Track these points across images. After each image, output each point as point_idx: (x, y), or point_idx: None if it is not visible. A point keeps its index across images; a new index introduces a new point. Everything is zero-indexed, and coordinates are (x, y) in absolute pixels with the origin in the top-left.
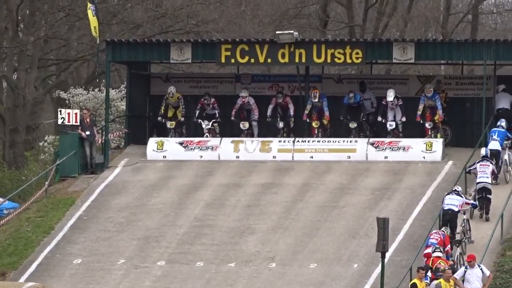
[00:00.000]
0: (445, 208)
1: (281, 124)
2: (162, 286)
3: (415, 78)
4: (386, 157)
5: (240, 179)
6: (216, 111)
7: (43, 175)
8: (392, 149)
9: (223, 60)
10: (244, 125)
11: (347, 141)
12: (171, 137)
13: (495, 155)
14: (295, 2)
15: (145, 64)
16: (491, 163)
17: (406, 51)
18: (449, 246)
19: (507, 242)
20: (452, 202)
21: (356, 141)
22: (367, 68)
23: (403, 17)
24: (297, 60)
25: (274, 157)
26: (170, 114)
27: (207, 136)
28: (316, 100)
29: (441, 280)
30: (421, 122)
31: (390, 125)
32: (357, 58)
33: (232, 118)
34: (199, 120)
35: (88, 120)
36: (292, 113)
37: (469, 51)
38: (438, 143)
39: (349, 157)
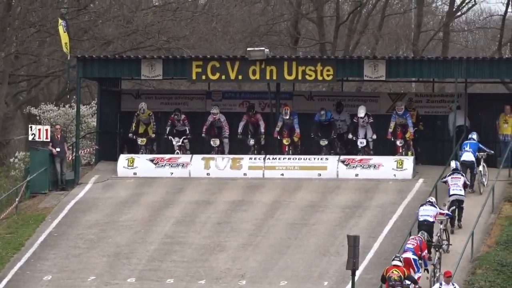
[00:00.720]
0: (420, 219)
1: (251, 141)
2: None
3: (386, 95)
4: (356, 175)
5: (211, 196)
6: (187, 128)
7: (13, 192)
8: (363, 167)
9: (194, 77)
10: (215, 142)
11: (318, 159)
12: (142, 153)
13: (469, 166)
14: (266, 19)
15: (116, 81)
16: (462, 175)
17: (377, 69)
18: (425, 251)
19: (478, 260)
20: (427, 213)
21: (326, 159)
22: (338, 86)
23: (374, 34)
24: (268, 77)
25: (244, 174)
26: (141, 130)
27: (177, 153)
28: (287, 117)
29: None
30: (392, 139)
31: (361, 142)
32: (328, 75)
33: (203, 135)
34: (170, 137)
35: (59, 136)
36: (262, 130)
37: (440, 69)
38: (409, 161)
39: (320, 175)
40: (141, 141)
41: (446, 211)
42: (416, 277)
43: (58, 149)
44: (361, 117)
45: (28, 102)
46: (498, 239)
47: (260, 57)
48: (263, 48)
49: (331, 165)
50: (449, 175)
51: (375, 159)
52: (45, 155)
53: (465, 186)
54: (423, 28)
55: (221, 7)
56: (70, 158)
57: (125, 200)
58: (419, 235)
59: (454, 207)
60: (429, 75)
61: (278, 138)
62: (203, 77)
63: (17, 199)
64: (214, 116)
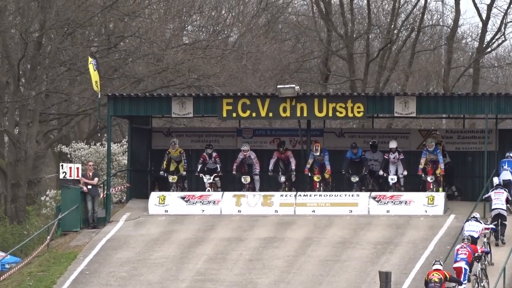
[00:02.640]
0: (465, 235)
1: (282, 178)
2: None
3: (416, 132)
4: (388, 211)
5: (242, 233)
6: (218, 165)
7: (44, 230)
8: (394, 203)
9: (224, 114)
10: (246, 179)
11: (349, 195)
12: (173, 191)
13: (506, 186)
14: (296, 56)
15: (147, 118)
16: (505, 190)
17: (407, 105)
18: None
19: None
20: (472, 228)
21: (358, 195)
22: (369, 122)
23: (404, 71)
24: (298, 114)
25: (276, 211)
26: (172, 168)
27: (208, 191)
28: (318, 153)
29: None
30: (423, 176)
31: (392, 179)
32: (358, 112)
33: (234, 172)
34: (201, 174)
35: (90, 174)
36: (293, 167)
37: (471, 105)
38: (440, 197)
39: (351, 211)
40: (172, 178)
41: (490, 225)
42: None
43: (89, 187)
44: (392, 148)
45: (59, 140)
46: None
47: (291, 94)
48: (293, 85)
49: (362, 202)
50: (492, 190)
51: (406, 196)
52: (77, 193)
53: (507, 201)
54: (453, 64)
55: (251, 44)
56: (101, 196)
57: (156, 238)
58: (465, 241)
59: (496, 221)
60: (460, 111)
61: (309, 175)
62: (234, 114)
63: (48, 237)
64: (245, 153)
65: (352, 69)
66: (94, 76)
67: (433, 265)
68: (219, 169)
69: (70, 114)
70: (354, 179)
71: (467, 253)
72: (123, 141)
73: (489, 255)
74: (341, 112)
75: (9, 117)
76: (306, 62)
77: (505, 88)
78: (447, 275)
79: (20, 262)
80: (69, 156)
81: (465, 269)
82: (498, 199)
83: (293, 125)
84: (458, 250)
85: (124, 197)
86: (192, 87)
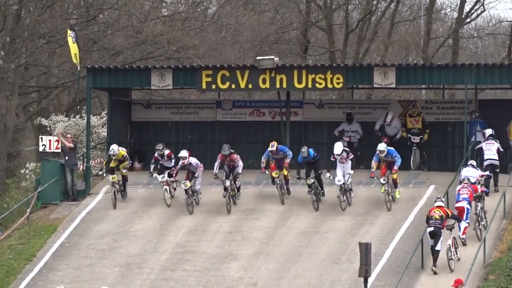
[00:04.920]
0: (462, 179)
1: (227, 182)
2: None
3: (396, 102)
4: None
5: (222, 206)
6: (173, 161)
7: (24, 202)
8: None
9: (204, 86)
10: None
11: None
12: (113, 191)
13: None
14: (275, 28)
15: (126, 91)
16: (496, 141)
17: (387, 76)
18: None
19: (490, 266)
20: (469, 173)
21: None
22: (348, 93)
23: (383, 42)
24: (278, 86)
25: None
26: (113, 164)
27: (166, 190)
28: (274, 148)
29: None
30: (375, 178)
31: (339, 180)
32: (338, 83)
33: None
34: (154, 174)
35: (70, 144)
36: (240, 171)
37: (450, 76)
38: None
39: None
40: (112, 178)
41: (486, 173)
42: (463, 227)
43: (66, 158)
44: (337, 155)
45: (39, 113)
46: (510, 245)
47: (270, 66)
48: (272, 57)
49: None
50: (484, 141)
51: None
52: (56, 165)
53: (498, 152)
54: (433, 35)
55: (230, 16)
56: (81, 169)
57: (136, 210)
58: (465, 181)
59: (488, 171)
60: (439, 82)
61: (266, 172)
62: (213, 86)
63: (28, 210)
64: (183, 161)
65: (331, 40)
66: (73, 48)
67: (435, 202)
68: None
69: (49, 86)
70: (310, 181)
71: (469, 193)
72: (102, 114)
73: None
74: (320, 83)
75: None
76: (285, 34)
77: (484, 58)
78: (449, 213)
79: (0, 235)
80: (48, 128)
81: (467, 208)
82: (490, 150)
83: (272, 97)
84: (459, 190)
85: (104, 170)
86: (171, 59)
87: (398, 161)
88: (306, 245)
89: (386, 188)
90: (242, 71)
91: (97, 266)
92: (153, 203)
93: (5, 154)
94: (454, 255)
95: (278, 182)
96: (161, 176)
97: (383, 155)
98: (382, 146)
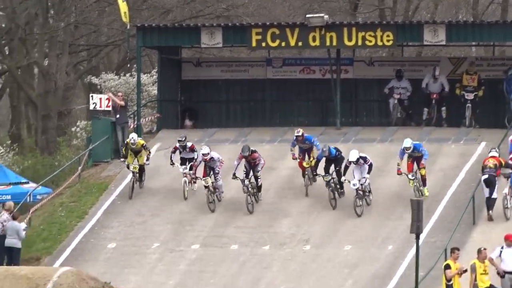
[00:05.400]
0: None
1: (246, 181)
2: (196, 270)
3: (446, 60)
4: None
5: (274, 162)
6: (196, 153)
7: (75, 161)
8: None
9: (254, 44)
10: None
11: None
12: (132, 181)
13: None
14: None
15: (176, 49)
16: None
17: (437, 33)
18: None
19: None
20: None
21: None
22: (398, 51)
23: None
24: (328, 43)
25: None
26: (129, 160)
27: (185, 182)
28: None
29: (475, 260)
30: (403, 174)
31: (354, 184)
32: (388, 41)
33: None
34: (176, 164)
35: (121, 102)
36: (260, 168)
37: (500, 32)
38: None
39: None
40: (133, 167)
41: None
42: None
43: (118, 116)
44: (353, 162)
45: (89, 71)
46: None
47: (320, 24)
48: (322, 15)
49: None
50: None
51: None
52: (107, 123)
53: None
54: None
55: None
56: (131, 127)
57: None
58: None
59: None
60: (489, 39)
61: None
62: (263, 44)
63: (79, 168)
64: (205, 157)
65: None
66: (123, 7)
67: (489, 153)
68: (196, 158)
69: (99, 45)
70: (327, 178)
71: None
72: (152, 72)
73: None
74: (370, 41)
75: (38, 49)
76: None
77: None
78: (502, 161)
79: (52, 193)
80: (99, 87)
81: None
82: None
83: (322, 54)
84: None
85: (155, 128)
86: (221, 17)
87: (426, 155)
88: (359, 203)
89: (415, 184)
90: (292, 29)
91: (149, 223)
92: None
93: (56, 112)
94: (510, 203)
95: (306, 173)
96: (183, 167)
97: (409, 151)
98: (407, 143)
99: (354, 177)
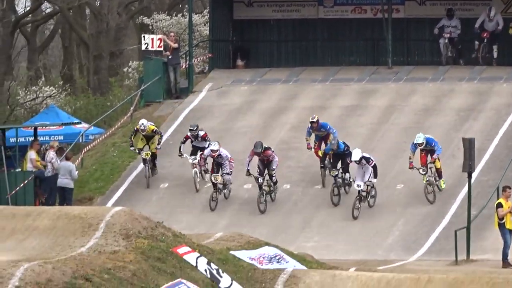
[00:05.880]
0: None
1: (260, 179)
2: (248, 209)
3: None
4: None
5: (325, 102)
6: (208, 143)
7: (127, 101)
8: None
9: None
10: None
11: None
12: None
13: None
14: None
15: None
16: None
17: None
18: None
19: None
20: None
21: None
22: None
23: None
24: None
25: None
26: (140, 145)
27: (195, 173)
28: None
29: (501, 199)
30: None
31: (358, 185)
32: None
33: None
34: (184, 155)
35: (173, 44)
36: (274, 167)
37: None
38: None
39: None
40: (145, 154)
41: None
42: None
43: (170, 57)
44: (355, 161)
45: (140, 12)
46: None
47: None
48: None
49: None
50: None
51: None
52: (159, 63)
53: None
54: None
55: None
56: (183, 67)
57: (239, 107)
58: None
59: None
60: None
61: (312, 149)
62: None
63: (131, 108)
64: (214, 154)
65: None
66: None
67: None
68: (206, 147)
69: None
70: (334, 173)
71: None
72: (204, 12)
73: None
74: None
75: None
76: None
77: None
78: None
79: (104, 133)
80: (150, 27)
81: None
82: None
83: None
84: None
85: (207, 67)
86: None
87: (439, 150)
88: (410, 140)
89: (428, 179)
90: None
91: None
92: (256, 100)
93: (107, 53)
94: None
95: (322, 164)
96: (193, 157)
97: (422, 147)
98: (420, 139)
99: (357, 177)
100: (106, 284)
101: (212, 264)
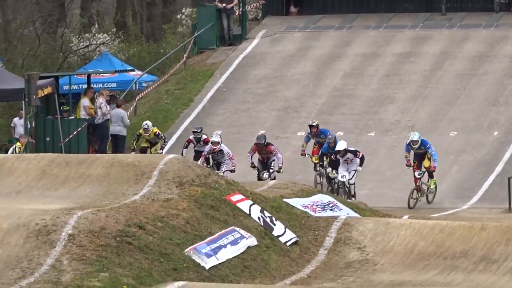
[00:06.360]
0: None
1: (265, 175)
2: (302, 157)
3: None
4: None
5: (378, 49)
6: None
7: (181, 48)
8: None
9: None
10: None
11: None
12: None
13: None
14: None
15: None
16: None
17: None
18: None
19: None
20: None
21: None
22: None
23: None
24: None
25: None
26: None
27: None
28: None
29: None
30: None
31: (343, 176)
32: None
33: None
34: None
35: None
36: (281, 164)
37: None
38: None
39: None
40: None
41: None
42: None
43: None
44: (338, 151)
45: None
46: None
47: None
48: None
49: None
50: None
51: None
52: (212, 11)
53: None
54: None
55: None
56: (237, 14)
57: (292, 54)
58: None
59: None
60: None
61: (306, 156)
62: None
63: (185, 55)
64: (214, 147)
65: None
66: None
67: None
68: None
69: None
70: (333, 174)
71: None
72: None
73: None
74: None
75: None
76: None
77: None
78: None
79: (157, 80)
80: None
81: None
82: None
83: None
84: None
85: (260, 14)
86: None
87: (435, 155)
88: (464, 87)
89: (419, 184)
90: None
91: (254, 110)
92: (310, 47)
93: (160, 0)
94: None
95: (318, 169)
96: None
97: (416, 146)
98: (415, 136)
99: (339, 171)
100: (159, 232)
101: (265, 212)
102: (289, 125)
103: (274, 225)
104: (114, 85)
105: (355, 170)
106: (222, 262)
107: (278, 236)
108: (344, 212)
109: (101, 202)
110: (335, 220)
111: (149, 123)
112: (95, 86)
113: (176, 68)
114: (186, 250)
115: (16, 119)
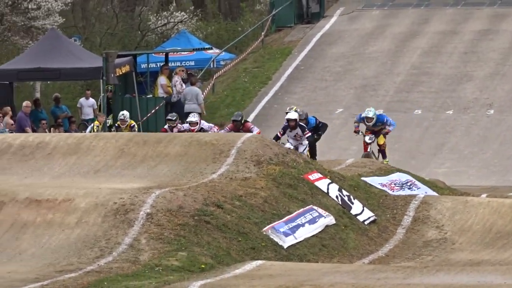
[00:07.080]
0: None
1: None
2: None
3: None
4: None
5: (456, 26)
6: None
7: (259, 26)
8: None
9: None
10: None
11: None
12: None
13: None
14: None
15: None
16: None
17: None
18: None
19: None
20: None
21: None
22: None
23: None
24: None
25: None
26: None
27: None
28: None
29: None
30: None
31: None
32: None
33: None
34: None
35: None
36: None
37: None
38: None
39: None
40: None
41: None
42: None
43: None
44: (290, 119)
45: None
46: None
47: None
48: None
49: None
50: None
51: None
52: None
53: None
54: None
55: None
56: None
57: (371, 32)
58: None
59: None
60: None
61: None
62: None
63: (263, 33)
64: (193, 128)
65: None
66: None
67: None
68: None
69: None
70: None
71: None
72: None
73: None
74: None
75: None
76: None
77: None
78: None
79: (235, 58)
80: None
81: None
82: None
83: None
84: None
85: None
86: None
87: (393, 125)
88: None
89: (369, 150)
90: None
91: (332, 88)
92: (388, 25)
93: None
94: None
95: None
96: None
97: (370, 123)
98: (370, 113)
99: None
100: (237, 211)
101: (343, 191)
102: (367, 103)
103: (352, 203)
104: (192, 63)
105: (305, 146)
106: (300, 241)
107: (356, 215)
108: (422, 190)
109: (179, 181)
110: (413, 198)
111: (126, 113)
112: (172, 64)
113: (254, 46)
114: (264, 229)
115: (82, 100)
